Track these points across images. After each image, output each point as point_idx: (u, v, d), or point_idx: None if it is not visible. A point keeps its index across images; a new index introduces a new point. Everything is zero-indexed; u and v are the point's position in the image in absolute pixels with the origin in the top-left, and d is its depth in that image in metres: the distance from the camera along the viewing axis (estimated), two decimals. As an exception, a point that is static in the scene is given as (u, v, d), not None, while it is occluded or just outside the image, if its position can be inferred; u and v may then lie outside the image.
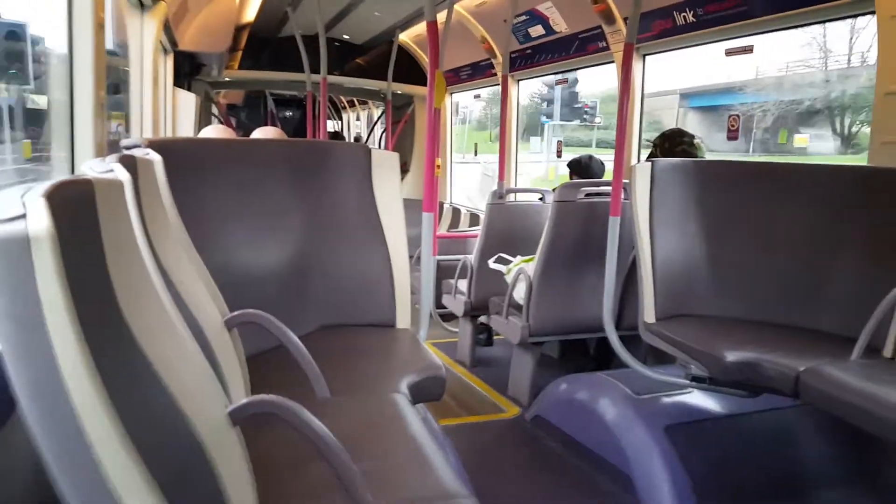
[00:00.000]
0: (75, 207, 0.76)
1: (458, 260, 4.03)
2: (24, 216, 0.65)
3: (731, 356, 2.12)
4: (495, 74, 5.56)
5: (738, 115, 4.67)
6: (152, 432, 0.78)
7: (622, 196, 2.74)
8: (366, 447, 1.36)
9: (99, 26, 2.09)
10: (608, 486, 2.41)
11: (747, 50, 3.54)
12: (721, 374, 2.16)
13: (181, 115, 5.13)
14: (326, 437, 1.07)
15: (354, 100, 10.76)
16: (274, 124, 6.87)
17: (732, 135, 4.70)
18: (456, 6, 4.93)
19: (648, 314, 2.56)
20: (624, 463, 2.37)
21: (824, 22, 3.21)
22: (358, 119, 11.57)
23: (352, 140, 10.36)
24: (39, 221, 0.65)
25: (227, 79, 6.41)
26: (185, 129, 5.17)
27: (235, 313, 1.57)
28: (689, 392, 2.55)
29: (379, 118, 8.68)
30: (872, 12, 2.64)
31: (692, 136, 3.16)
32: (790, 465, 2.37)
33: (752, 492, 2.23)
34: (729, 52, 3.75)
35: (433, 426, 2.36)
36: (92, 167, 1.20)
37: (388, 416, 1.60)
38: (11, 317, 0.65)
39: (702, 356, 2.24)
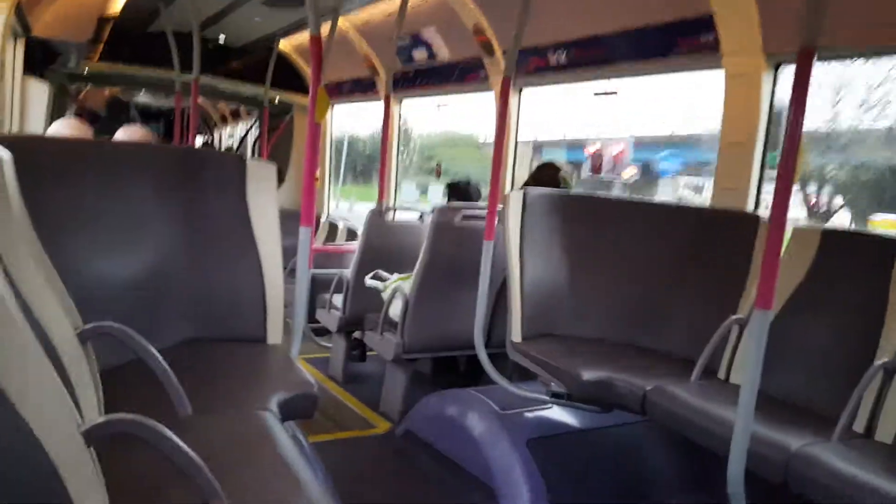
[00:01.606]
0: None
1: (334, 274, 3.99)
2: None
3: (587, 375, 2.30)
4: (377, 92, 5.60)
5: (599, 154, 5.08)
6: None
7: (496, 221, 2.86)
8: (231, 466, 1.32)
9: None
10: (473, 497, 2.49)
11: (612, 93, 3.86)
12: (578, 391, 2.33)
13: (32, 107, 4.67)
14: (188, 456, 1.03)
15: (227, 114, 10.27)
16: None
17: (596, 168, 5.10)
18: (341, 21, 4.93)
19: (515, 334, 2.69)
20: (488, 475, 2.46)
21: (679, 72, 3.56)
22: (231, 136, 10.95)
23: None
24: None
25: (86, 71, 5.92)
26: (36, 123, 4.71)
27: (90, 325, 1.47)
28: (550, 407, 2.70)
29: (253, 125, 8.37)
30: (720, 67, 2.96)
31: (559, 169, 3.39)
32: (637, 475, 2.58)
33: (603, 500, 2.40)
34: (598, 94, 4.06)
35: (303, 444, 2.32)
36: None
37: (255, 435, 1.56)
38: None
39: (561, 374, 2.40)
